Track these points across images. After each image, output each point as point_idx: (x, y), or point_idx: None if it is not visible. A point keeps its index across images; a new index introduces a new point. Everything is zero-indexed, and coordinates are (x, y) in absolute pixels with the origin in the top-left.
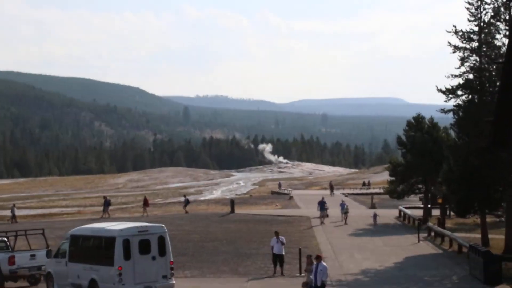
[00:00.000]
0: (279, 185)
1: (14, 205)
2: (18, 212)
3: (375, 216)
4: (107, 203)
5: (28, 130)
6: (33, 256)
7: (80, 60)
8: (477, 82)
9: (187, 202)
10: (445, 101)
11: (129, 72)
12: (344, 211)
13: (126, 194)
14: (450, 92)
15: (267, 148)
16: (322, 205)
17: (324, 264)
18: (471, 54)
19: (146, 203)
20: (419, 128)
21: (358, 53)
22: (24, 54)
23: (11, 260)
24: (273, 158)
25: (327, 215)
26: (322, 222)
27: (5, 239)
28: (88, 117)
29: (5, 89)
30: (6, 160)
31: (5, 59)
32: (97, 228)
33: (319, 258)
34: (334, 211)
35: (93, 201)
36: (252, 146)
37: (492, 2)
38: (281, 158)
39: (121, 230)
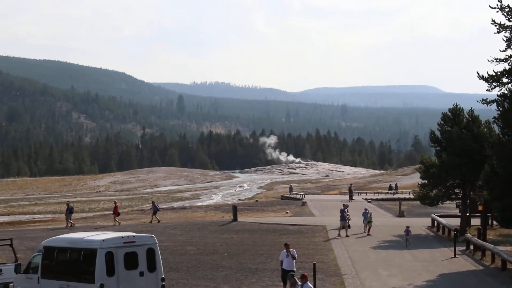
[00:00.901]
0: (290, 189)
1: (68, 204)
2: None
3: (408, 232)
4: (69, 210)
5: None
6: None
7: (55, 40)
8: None
9: (156, 210)
10: (488, 90)
11: (113, 54)
12: (368, 220)
13: (109, 198)
14: (493, 79)
15: (268, 141)
16: (342, 213)
17: (310, 285)
18: None
19: (115, 210)
20: (457, 122)
21: (383, 34)
22: None
23: None
24: (279, 156)
25: (349, 226)
26: (339, 235)
27: None
28: (65, 108)
29: None
30: None
31: None
32: (75, 238)
33: (304, 278)
34: (355, 220)
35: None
36: (259, 143)
37: None
38: (291, 157)
39: (103, 241)
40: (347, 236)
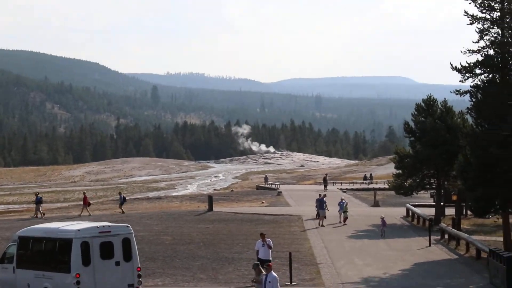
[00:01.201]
0: (266, 179)
1: (37, 194)
2: None
3: (383, 222)
4: (38, 200)
5: None
6: None
7: (27, 30)
8: (499, 59)
9: (123, 200)
10: (461, 81)
11: (87, 44)
12: (343, 210)
13: (83, 188)
14: (466, 70)
15: (240, 130)
16: (321, 204)
17: (274, 274)
18: (491, 26)
19: (85, 201)
20: (430, 113)
21: (358, 25)
22: None
23: None
24: (251, 145)
25: (325, 216)
26: (321, 225)
27: None
28: (39, 98)
29: None
30: None
31: None
32: (51, 228)
33: (269, 267)
34: (330, 210)
35: (45, 196)
36: (231, 132)
37: None
38: (263, 146)
39: (78, 230)
40: (322, 225)
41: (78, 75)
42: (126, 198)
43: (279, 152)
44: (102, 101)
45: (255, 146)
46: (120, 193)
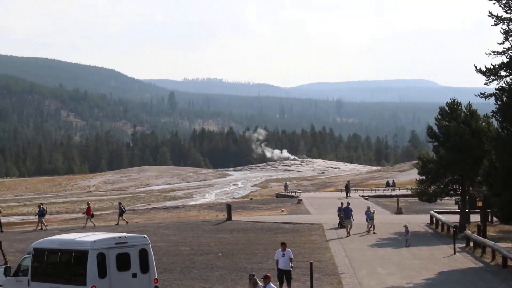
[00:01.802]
0: (285, 187)
1: (40, 206)
2: None
3: (407, 231)
4: (41, 213)
5: None
6: None
7: (42, 37)
8: None
9: (122, 211)
10: (486, 83)
11: (102, 51)
12: (370, 218)
13: (100, 198)
14: (491, 72)
15: (255, 135)
16: (347, 213)
17: (273, 286)
18: None
19: (88, 211)
20: (454, 117)
21: (379, 27)
22: None
23: None
24: (264, 150)
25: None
26: (348, 234)
27: None
28: (54, 106)
29: None
30: None
31: None
32: (66, 239)
33: (267, 278)
34: (356, 218)
35: (60, 207)
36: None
37: None
38: (277, 151)
39: (94, 242)
40: (349, 234)
41: (94, 82)
42: (126, 208)
43: (299, 159)
44: (118, 108)
45: (269, 152)
46: (120, 204)
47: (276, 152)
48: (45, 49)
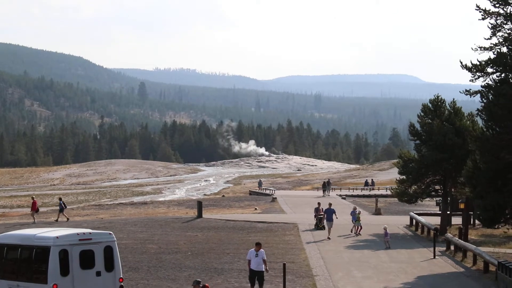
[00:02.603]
0: (259, 184)
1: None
2: None
3: (386, 233)
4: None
5: None
6: None
7: (5, 21)
8: None
9: (62, 207)
10: (471, 80)
11: (70, 37)
12: (356, 219)
13: (64, 192)
14: (477, 69)
15: (223, 128)
16: (330, 214)
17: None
18: (505, 21)
19: (33, 206)
20: (438, 114)
21: (362, 19)
22: None
23: None
24: (231, 143)
25: (324, 227)
26: (329, 238)
27: None
28: (17, 94)
29: None
30: None
31: None
32: (27, 235)
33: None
34: (341, 218)
35: (22, 200)
36: (229, 136)
37: None
38: (244, 144)
39: (57, 238)
40: (329, 238)
41: (60, 70)
42: (66, 204)
43: (275, 155)
44: (85, 98)
45: (237, 146)
46: (60, 199)
47: (244, 145)
48: (8, 33)
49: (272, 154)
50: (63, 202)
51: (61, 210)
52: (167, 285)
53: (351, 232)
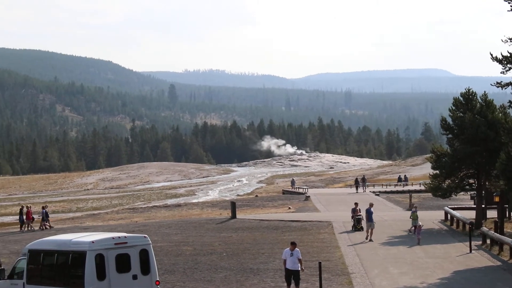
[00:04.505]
0: (292, 183)
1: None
2: None
3: (419, 229)
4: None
5: None
6: None
7: (35, 28)
8: None
9: (44, 215)
10: (502, 72)
11: (99, 42)
12: (413, 217)
13: (97, 196)
14: (508, 60)
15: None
16: (370, 215)
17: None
18: None
19: (28, 215)
20: (469, 108)
21: (391, 14)
22: None
23: None
24: (268, 145)
25: (362, 228)
26: (369, 239)
27: None
28: (48, 100)
29: None
30: None
31: None
32: (63, 240)
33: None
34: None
35: (57, 206)
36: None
37: None
38: (285, 146)
39: (92, 242)
40: (370, 240)
41: (90, 75)
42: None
43: (307, 154)
44: (116, 102)
45: (268, 145)
46: (43, 207)
47: (275, 145)
48: (39, 40)
49: (304, 153)
50: (46, 210)
51: (43, 219)
52: (203, 287)
53: (410, 231)
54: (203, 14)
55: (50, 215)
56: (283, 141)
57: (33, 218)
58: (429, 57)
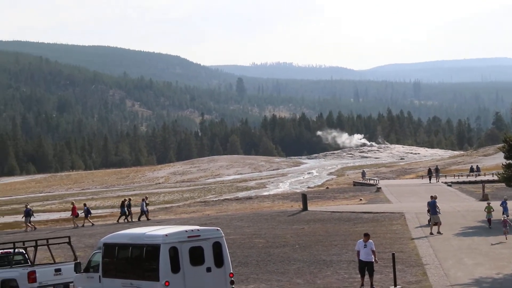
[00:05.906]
0: (363, 174)
1: (27, 206)
2: (36, 217)
3: (505, 223)
4: (27, 213)
5: (43, 114)
6: (58, 271)
7: (103, 24)
8: None
9: (28, 215)
10: None
11: (166, 37)
12: (506, 209)
13: (169, 190)
14: None
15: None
16: (433, 207)
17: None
18: None
19: (73, 211)
20: None
21: (458, 4)
22: (32, 18)
23: (31, 277)
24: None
25: (440, 222)
26: (438, 231)
27: (23, 250)
28: (118, 96)
29: (12, 64)
30: (18, 152)
31: (9, 26)
32: (137, 234)
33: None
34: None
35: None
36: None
37: None
38: (357, 137)
39: (166, 235)
40: (439, 233)
41: (159, 70)
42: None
43: (377, 145)
44: (185, 97)
45: (338, 137)
46: (26, 206)
47: (345, 136)
48: (107, 37)
49: (374, 144)
50: (30, 209)
51: (26, 218)
52: (276, 279)
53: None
54: (269, 6)
55: (131, 209)
56: (361, 135)
57: (77, 214)
58: (499, 46)
